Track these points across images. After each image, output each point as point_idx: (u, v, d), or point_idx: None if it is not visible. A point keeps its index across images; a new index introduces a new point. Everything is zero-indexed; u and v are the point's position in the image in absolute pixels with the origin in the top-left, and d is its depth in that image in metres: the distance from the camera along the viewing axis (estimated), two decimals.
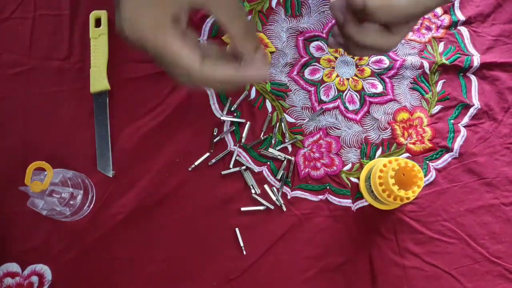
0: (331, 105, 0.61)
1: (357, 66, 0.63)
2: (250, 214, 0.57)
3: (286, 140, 0.60)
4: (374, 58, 0.63)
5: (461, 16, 0.65)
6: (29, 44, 0.62)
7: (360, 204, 0.58)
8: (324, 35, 0.64)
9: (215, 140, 0.59)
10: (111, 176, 0.58)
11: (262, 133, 0.60)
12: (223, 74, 0.36)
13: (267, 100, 0.61)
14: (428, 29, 0.65)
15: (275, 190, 0.58)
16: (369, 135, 0.61)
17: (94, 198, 0.57)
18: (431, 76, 0.63)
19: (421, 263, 0.56)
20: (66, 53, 0.62)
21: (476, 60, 0.62)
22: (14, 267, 0.55)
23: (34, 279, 0.54)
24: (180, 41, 0.34)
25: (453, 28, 0.65)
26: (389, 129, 0.61)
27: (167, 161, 0.58)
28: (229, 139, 0.60)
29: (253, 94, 0.62)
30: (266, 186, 0.58)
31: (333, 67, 0.63)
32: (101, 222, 0.56)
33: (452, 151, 0.60)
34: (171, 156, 0.59)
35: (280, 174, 0.58)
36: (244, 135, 0.60)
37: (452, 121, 0.61)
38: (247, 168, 0.58)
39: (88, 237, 0.56)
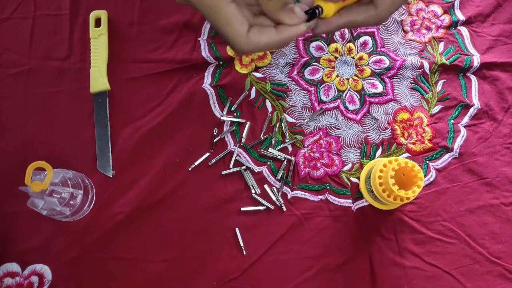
0: (331, 105, 0.61)
1: (357, 66, 0.63)
2: (250, 214, 0.57)
3: (286, 140, 0.60)
4: (374, 58, 0.63)
5: (461, 16, 0.65)
6: (29, 44, 0.62)
7: (360, 204, 0.58)
8: (324, 35, 0.64)
9: (215, 140, 0.59)
10: (111, 176, 0.58)
11: (262, 133, 0.60)
12: (265, 40, 0.36)
13: (267, 100, 0.61)
14: (428, 29, 0.65)
15: (275, 190, 0.58)
16: (369, 135, 0.61)
17: (94, 198, 0.57)
18: (431, 76, 0.63)
19: (421, 263, 0.56)
20: (66, 53, 0.62)
21: (476, 60, 0.62)
22: (14, 267, 0.55)
23: (34, 279, 0.54)
24: (233, 5, 0.35)
25: (453, 28, 0.65)
26: (389, 129, 0.61)
27: (167, 161, 0.58)
28: (229, 139, 0.60)
29: (253, 94, 0.62)
30: (266, 186, 0.58)
31: (333, 67, 0.63)
32: (101, 222, 0.56)
33: (452, 151, 0.60)
34: (171, 156, 0.58)
35: (280, 174, 0.58)
36: (244, 135, 0.60)
37: (452, 121, 0.61)
38: (247, 168, 0.58)
39: (88, 237, 0.56)
